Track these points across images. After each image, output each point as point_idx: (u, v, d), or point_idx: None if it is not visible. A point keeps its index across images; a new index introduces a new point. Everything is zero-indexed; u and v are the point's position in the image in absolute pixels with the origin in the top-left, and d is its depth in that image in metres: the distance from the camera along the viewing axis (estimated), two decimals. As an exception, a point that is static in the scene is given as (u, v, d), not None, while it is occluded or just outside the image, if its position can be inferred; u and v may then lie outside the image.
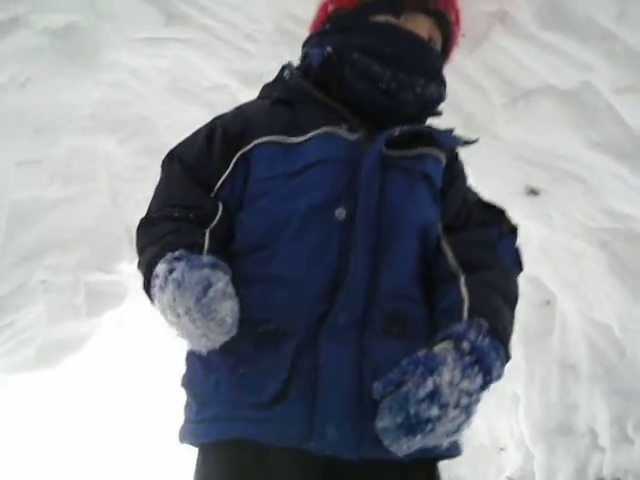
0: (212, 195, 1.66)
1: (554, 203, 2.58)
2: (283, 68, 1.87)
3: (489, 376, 1.37)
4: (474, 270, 1.59)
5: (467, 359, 1.35)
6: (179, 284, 1.38)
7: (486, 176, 2.63)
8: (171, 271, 1.41)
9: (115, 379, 4.89)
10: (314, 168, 1.61)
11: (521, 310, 3.01)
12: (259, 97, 1.91)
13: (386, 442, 1.35)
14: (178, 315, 1.38)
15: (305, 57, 1.87)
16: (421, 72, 1.73)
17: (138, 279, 3.82)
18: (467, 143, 1.75)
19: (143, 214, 1.78)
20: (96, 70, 2.82)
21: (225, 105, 2.98)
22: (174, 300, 1.38)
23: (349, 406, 1.45)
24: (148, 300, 1.52)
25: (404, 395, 1.32)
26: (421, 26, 1.78)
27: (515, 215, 2.74)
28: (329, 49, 1.77)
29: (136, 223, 3.56)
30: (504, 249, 1.74)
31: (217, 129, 1.73)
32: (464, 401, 1.31)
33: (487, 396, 3.20)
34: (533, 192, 2.58)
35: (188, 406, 1.59)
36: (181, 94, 3.01)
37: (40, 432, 5.21)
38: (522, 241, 2.78)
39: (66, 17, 2.63)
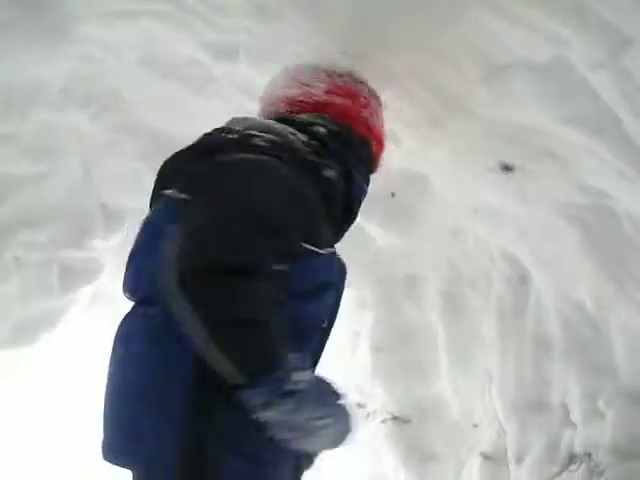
0: None
1: (528, 180, 2.58)
2: None
3: None
4: None
5: None
6: None
7: (460, 153, 2.63)
8: None
9: (90, 356, 4.86)
10: None
11: (496, 286, 3.03)
12: None
13: None
14: None
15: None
16: None
17: (112, 255, 3.76)
18: None
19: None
20: (67, 44, 2.76)
21: (199, 80, 2.96)
22: None
23: None
24: None
25: None
26: None
27: (489, 192, 2.76)
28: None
29: (111, 200, 3.50)
30: None
31: None
32: None
33: (459, 373, 3.23)
34: (507, 168, 2.57)
35: None
36: (154, 68, 2.96)
37: (16, 409, 5.19)
38: (497, 218, 2.81)
39: (35, -11, 2.59)
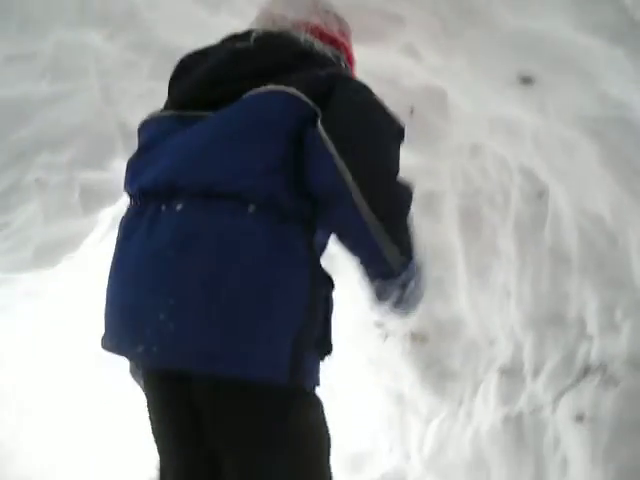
0: None
1: (548, 91, 2.55)
2: None
3: None
4: None
5: None
6: None
7: (478, 65, 2.60)
8: None
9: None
10: None
11: (514, 202, 3.02)
12: None
13: None
14: None
15: None
16: None
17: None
18: None
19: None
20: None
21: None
22: None
23: None
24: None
25: None
26: None
27: (508, 105, 2.74)
28: None
29: (130, 120, 3.51)
30: None
31: None
32: None
33: (477, 289, 3.24)
34: (526, 80, 2.55)
35: None
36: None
37: (39, 330, 5.28)
38: (515, 133, 2.78)
39: None
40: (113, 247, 1.89)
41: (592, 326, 2.78)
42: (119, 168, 3.71)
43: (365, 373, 4.69)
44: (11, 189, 3.44)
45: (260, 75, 1.83)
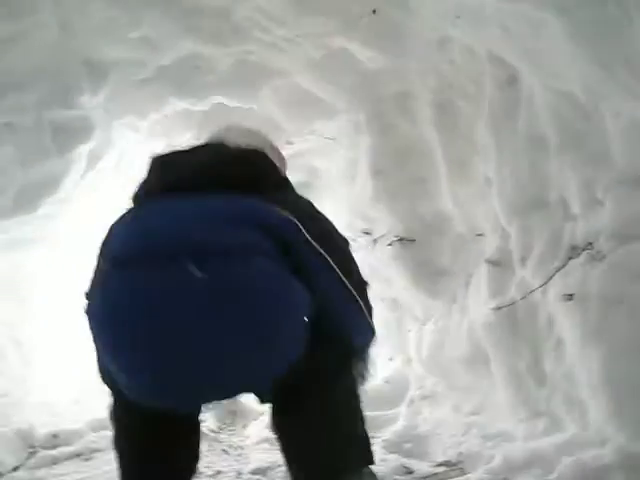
0: None
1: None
2: None
3: None
4: None
5: None
6: None
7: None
8: None
9: (93, 216, 4.90)
10: None
11: (487, 90, 2.99)
12: None
13: None
14: None
15: None
16: None
17: (102, 111, 3.71)
18: None
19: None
20: None
21: None
22: None
23: None
24: None
25: None
26: None
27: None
28: None
29: (92, 53, 3.42)
30: None
31: None
32: None
33: (459, 184, 3.24)
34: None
35: None
36: None
37: (24, 277, 5.28)
38: (481, 20, 2.73)
39: None
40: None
41: (575, 206, 2.78)
42: (88, 104, 3.66)
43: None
44: (-19, 134, 3.40)
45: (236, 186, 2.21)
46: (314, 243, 2.16)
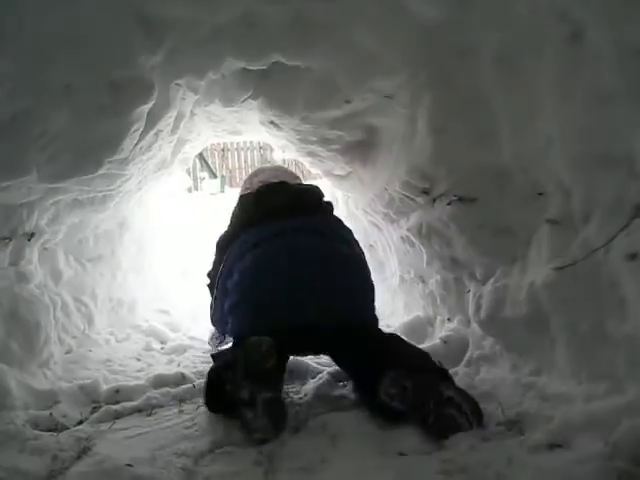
0: None
1: None
2: None
3: None
4: None
5: None
6: None
7: None
8: None
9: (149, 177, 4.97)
10: None
11: (551, 45, 2.90)
12: None
13: None
14: None
15: None
16: None
17: (161, 71, 3.72)
18: None
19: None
20: None
21: None
22: None
23: None
24: None
25: None
26: None
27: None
28: None
29: (149, 11, 3.44)
30: None
31: None
32: None
33: (521, 140, 3.15)
34: None
35: None
36: None
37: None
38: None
39: None
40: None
41: (640, 164, 2.69)
42: (145, 64, 3.66)
43: (416, 242, 4.70)
44: (42, 96, 3.42)
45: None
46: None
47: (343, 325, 3.54)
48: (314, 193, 4.46)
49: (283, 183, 4.48)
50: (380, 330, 3.86)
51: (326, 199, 4.56)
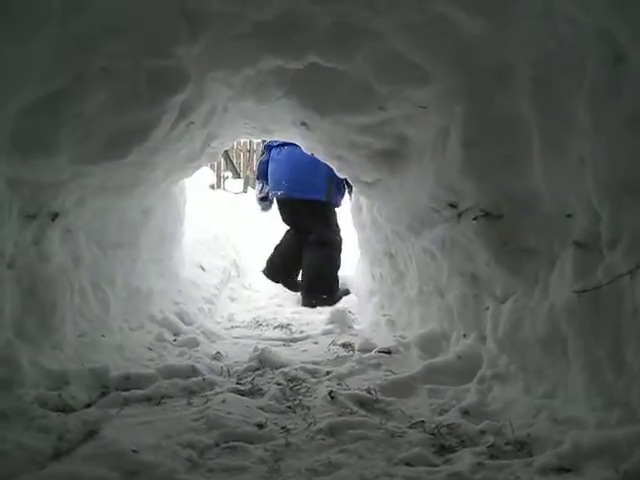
0: None
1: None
2: None
3: None
4: None
5: None
6: None
7: None
8: None
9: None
10: None
11: (590, 67, 2.88)
12: None
13: None
14: None
15: None
16: None
17: (198, 63, 3.74)
18: None
19: None
20: None
21: None
22: None
23: None
24: None
25: None
26: None
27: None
28: None
29: (192, 3, 3.45)
30: None
31: None
32: None
33: (552, 161, 3.14)
34: None
35: None
36: None
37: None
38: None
39: None
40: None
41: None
42: (184, 55, 3.68)
43: (438, 255, 4.68)
44: (79, 79, 3.44)
45: None
46: None
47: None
48: None
49: None
50: None
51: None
